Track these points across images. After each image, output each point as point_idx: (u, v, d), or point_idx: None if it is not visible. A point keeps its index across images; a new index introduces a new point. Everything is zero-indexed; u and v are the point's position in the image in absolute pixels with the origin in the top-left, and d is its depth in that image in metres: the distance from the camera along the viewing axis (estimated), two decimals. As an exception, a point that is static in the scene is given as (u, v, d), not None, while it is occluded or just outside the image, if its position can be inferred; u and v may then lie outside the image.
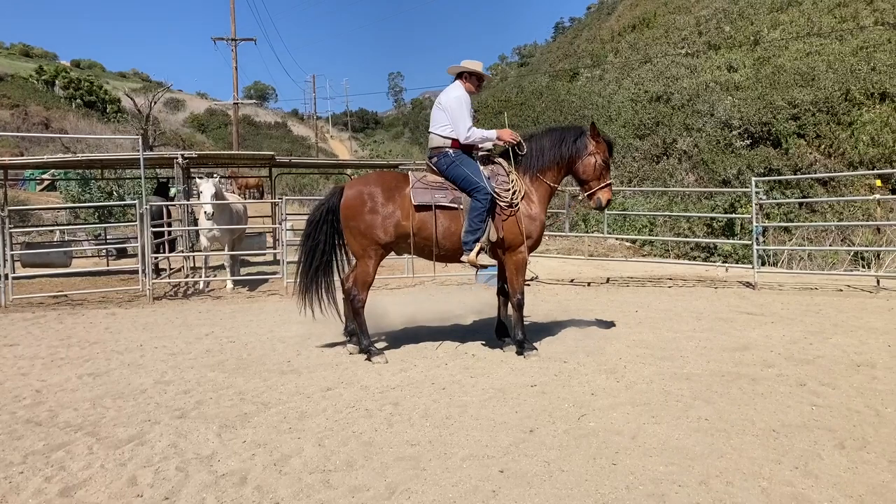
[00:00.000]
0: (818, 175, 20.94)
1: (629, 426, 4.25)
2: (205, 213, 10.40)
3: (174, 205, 12.96)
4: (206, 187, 10.42)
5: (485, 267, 6.04)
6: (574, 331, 7.05)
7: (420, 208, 5.87)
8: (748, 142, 25.54)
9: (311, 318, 6.29)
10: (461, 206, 5.88)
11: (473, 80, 6.14)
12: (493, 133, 6.00)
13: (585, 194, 6.21)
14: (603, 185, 6.08)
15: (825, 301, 8.71)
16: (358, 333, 6.15)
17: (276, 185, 18.15)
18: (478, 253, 5.80)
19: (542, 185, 6.08)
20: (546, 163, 6.05)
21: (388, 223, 5.87)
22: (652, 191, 21.73)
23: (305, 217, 19.78)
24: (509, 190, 5.90)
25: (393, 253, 6.51)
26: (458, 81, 6.13)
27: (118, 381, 5.57)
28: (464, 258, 5.85)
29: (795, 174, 22.16)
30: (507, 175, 5.98)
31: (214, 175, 11.01)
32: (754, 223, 10.25)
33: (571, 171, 6.20)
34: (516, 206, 5.91)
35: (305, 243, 6.25)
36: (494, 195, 5.83)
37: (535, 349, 6.08)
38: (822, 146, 23.77)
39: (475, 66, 6.11)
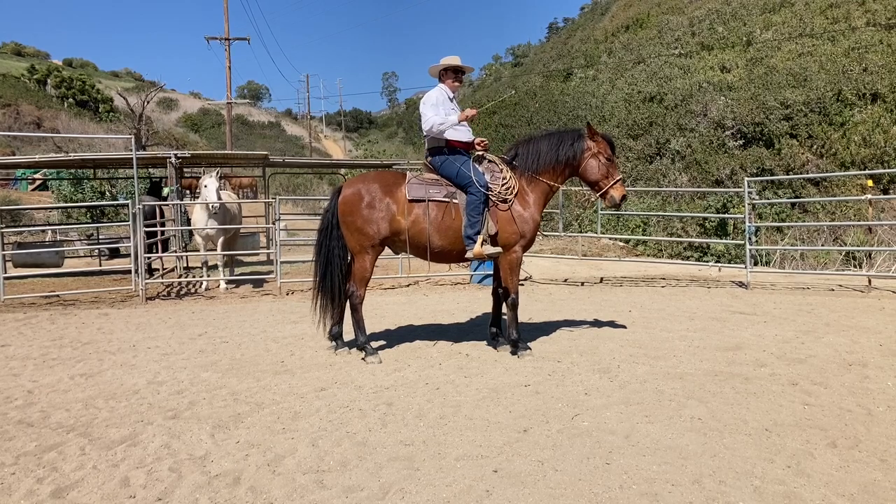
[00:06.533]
0: (810, 175, 21.04)
1: (623, 425, 4.26)
2: (210, 207, 10.34)
3: (167, 204, 12.92)
4: (210, 182, 10.40)
5: (493, 257, 6.00)
6: (568, 330, 7.07)
7: (415, 203, 5.91)
8: (741, 142, 25.64)
9: (322, 323, 6.29)
10: (455, 201, 5.91)
11: (450, 74, 6.17)
12: (454, 118, 5.99)
13: (598, 195, 6.20)
14: (613, 182, 6.08)
15: (817, 300, 8.76)
16: (354, 329, 6.16)
17: (270, 184, 18.12)
18: (482, 244, 5.81)
19: (538, 187, 6.10)
20: (542, 165, 6.07)
21: (384, 218, 5.91)
22: (645, 191, 21.79)
23: (299, 217, 19.62)
24: (503, 185, 5.92)
25: (390, 252, 6.54)
26: (439, 83, 6.20)
27: (111, 382, 5.55)
28: (469, 253, 5.86)
29: (788, 174, 22.26)
30: (502, 172, 6.01)
31: (216, 171, 11.00)
32: (747, 223, 10.29)
33: (578, 175, 6.21)
34: (510, 202, 5.93)
35: (320, 252, 6.23)
36: (488, 189, 5.86)
37: (529, 349, 6.09)
38: (815, 146, 23.88)
39: (450, 61, 6.15)
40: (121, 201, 14.97)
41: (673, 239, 16.35)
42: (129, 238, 11.20)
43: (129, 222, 10.21)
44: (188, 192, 20.39)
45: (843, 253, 12.80)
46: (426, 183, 6.01)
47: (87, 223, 18.01)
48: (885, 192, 20.03)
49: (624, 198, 6.12)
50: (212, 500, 3.40)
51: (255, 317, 8.44)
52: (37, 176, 29.64)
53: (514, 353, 6.06)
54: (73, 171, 21.71)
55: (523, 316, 7.24)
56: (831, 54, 27.03)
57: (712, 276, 11.02)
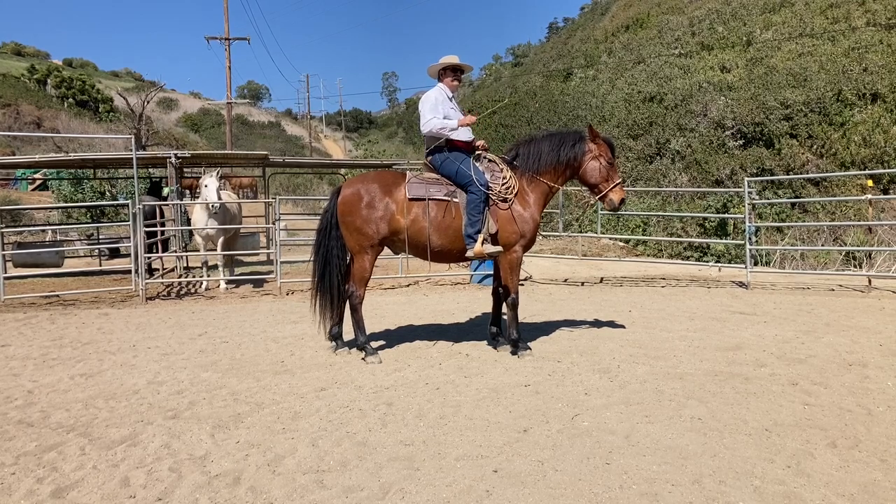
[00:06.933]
0: (810, 175, 21.03)
1: (623, 425, 4.26)
2: (210, 207, 10.33)
3: (167, 204, 12.91)
4: (210, 182, 10.40)
5: (493, 256, 5.99)
6: (568, 330, 7.07)
7: (414, 202, 5.91)
8: (741, 142, 25.64)
9: (321, 323, 6.29)
10: (455, 200, 5.91)
11: (449, 73, 6.16)
12: (453, 122, 5.99)
13: (597, 197, 6.22)
14: (612, 185, 6.09)
15: (817, 301, 8.76)
16: (354, 330, 6.16)
17: (270, 184, 18.13)
18: (482, 243, 5.80)
19: (538, 188, 6.10)
20: (543, 166, 6.07)
21: (383, 219, 5.91)
22: (645, 191, 21.80)
23: (299, 217, 19.59)
24: (503, 184, 5.92)
25: (390, 252, 6.54)
26: (438, 83, 6.20)
27: (111, 382, 5.55)
28: (469, 252, 5.86)
29: (788, 174, 22.26)
30: (502, 171, 6.01)
31: (216, 171, 11.01)
32: (747, 223, 10.29)
33: (578, 177, 6.21)
34: (510, 201, 5.93)
35: (318, 252, 6.24)
36: (488, 188, 5.85)
37: (529, 349, 6.09)
38: (815, 146, 23.87)
39: (449, 60, 6.15)
40: (121, 201, 14.97)
41: (673, 239, 16.35)
42: (129, 238, 11.20)
43: (129, 222, 10.21)
44: (188, 192, 20.38)
45: (843, 253, 12.80)
46: (426, 182, 6.01)
47: (87, 223, 18.00)
48: (885, 192, 20.02)
49: (623, 201, 6.12)
50: (212, 500, 3.41)
51: (255, 317, 8.44)
52: (37, 176, 29.65)
53: (514, 353, 6.05)
54: (73, 171, 21.71)
55: (523, 316, 7.23)
56: (831, 54, 27.01)
57: (712, 276, 11.02)
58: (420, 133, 6.28)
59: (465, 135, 6.08)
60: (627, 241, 16.04)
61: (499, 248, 5.86)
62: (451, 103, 6.12)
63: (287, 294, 10.26)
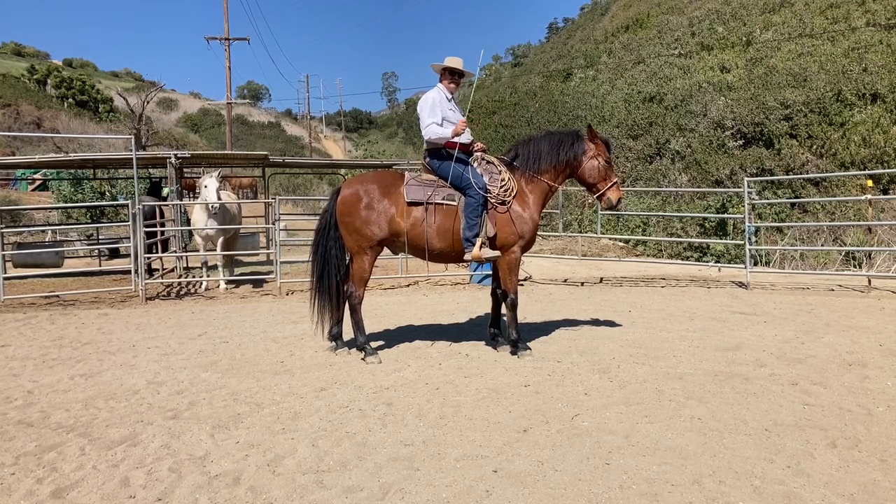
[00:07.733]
0: (810, 175, 21.04)
1: (622, 426, 4.26)
2: (210, 207, 10.31)
3: (167, 205, 12.91)
4: (210, 182, 10.40)
5: (491, 260, 5.98)
6: (567, 330, 7.07)
7: (413, 205, 5.90)
8: (741, 142, 25.65)
9: (319, 323, 6.28)
10: (454, 203, 5.90)
11: (447, 75, 6.15)
12: (448, 131, 5.95)
13: (595, 196, 6.24)
14: (610, 184, 6.11)
15: (817, 301, 8.76)
16: (353, 330, 6.16)
17: (270, 184, 18.15)
18: (480, 247, 5.80)
19: (538, 187, 6.10)
20: (542, 166, 6.07)
21: (382, 219, 5.91)
22: (645, 191, 21.81)
23: (299, 217, 19.58)
24: (501, 187, 5.92)
25: (389, 252, 6.54)
26: (438, 83, 6.19)
27: (110, 382, 5.55)
28: (467, 256, 5.85)
29: (787, 174, 22.27)
30: (500, 173, 6.00)
31: (216, 172, 11.01)
32: (747, 223, 10.29)
33: (576, 177, 6.22)
34: (508, 203, 5.93)
35: (317, 252, 6.24)
36: (486, 191, 5.85)
37: (529, 349, 6.09)
38: (814, 147, 23.88)
39: (452, 62, 6.12)
40: (121, 201, 14.97)
41: (673, 239, 16.36)
42: (129, 238, 11.19)
43: (129, 222, 10.20)
44: (189, 192, 20.38)
45: (843, 253, 12.81)
46: (424, 184, 6.00)
47: (87, 223, 18.00)
48: (885, 192, 20.03)
49: (620, 200, 6.14)
50: (212, 500, 3.41)
51: (255, 317, 8.44)
52: (37, 176, 29.67)
53: (513, 353, 6.06)
54: (73, 171, 21.72)
55: (523, 316, 7.23)
56: (831, 54, 27.02)
57: (712, 276, 11.02)
58: (420, 133, 6.28)
59: (464, 137, 6.07)
60: (627, 242, 16.05)
61: (496, 253, 5.86)
62: (449, 104, 6.11)
63: (287, 294, 10.26)
